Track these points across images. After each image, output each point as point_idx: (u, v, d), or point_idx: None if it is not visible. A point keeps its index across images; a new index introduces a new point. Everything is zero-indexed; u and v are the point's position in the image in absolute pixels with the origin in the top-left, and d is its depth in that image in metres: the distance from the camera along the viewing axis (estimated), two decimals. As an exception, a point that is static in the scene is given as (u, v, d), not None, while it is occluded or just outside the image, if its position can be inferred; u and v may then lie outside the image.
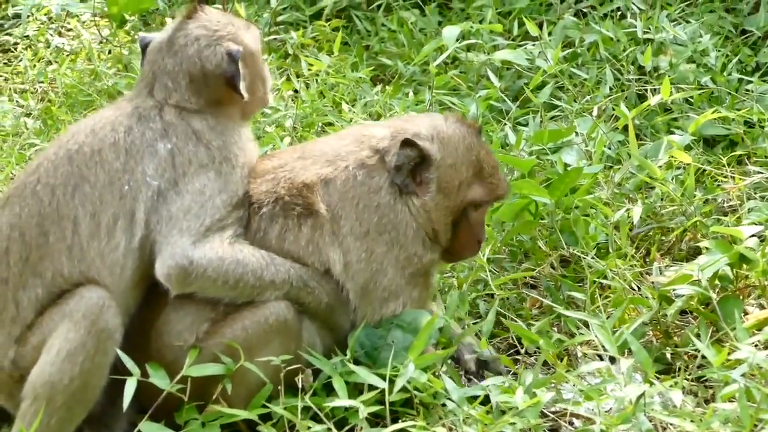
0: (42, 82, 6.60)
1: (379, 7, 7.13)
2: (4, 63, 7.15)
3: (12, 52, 7.26)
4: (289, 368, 3.44)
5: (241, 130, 3.81)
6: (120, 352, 3.42)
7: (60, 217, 3.51)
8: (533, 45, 5.98)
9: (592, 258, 4.43)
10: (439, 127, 3.83)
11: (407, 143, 3.71)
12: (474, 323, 4.12)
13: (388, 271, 3.72)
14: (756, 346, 3.70)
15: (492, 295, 4.35)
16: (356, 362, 3.56)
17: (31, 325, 3.50)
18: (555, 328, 4.18)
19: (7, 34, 7.42)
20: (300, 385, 3.41)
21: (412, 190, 3.75)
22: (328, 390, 3.57)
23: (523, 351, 4.10)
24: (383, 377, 3.41)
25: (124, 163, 3.57)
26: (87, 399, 3.44)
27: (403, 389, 3.43)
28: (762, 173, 5.01)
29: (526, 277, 4.53)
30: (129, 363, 3.38)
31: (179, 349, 3.51)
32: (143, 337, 3.56)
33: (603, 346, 3.63)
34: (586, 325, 4.00)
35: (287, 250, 3.64)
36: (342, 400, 3.34)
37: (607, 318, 3.77)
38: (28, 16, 7.24)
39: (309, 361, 3.57)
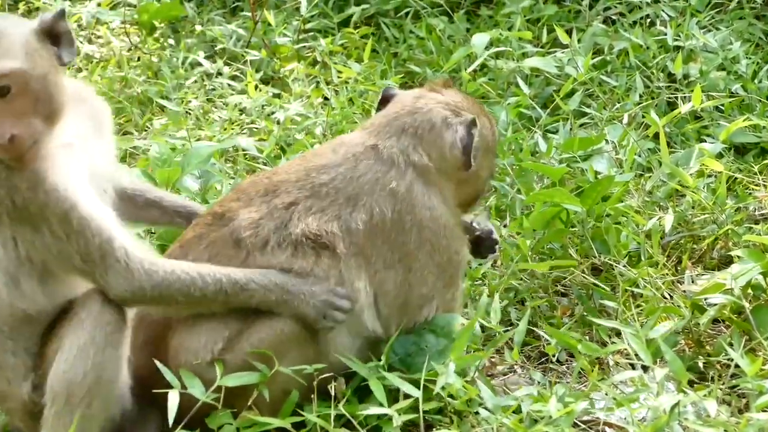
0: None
1: (407, 14, 7.14)
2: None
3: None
4: (322, 376, 3.45)
5: None
6: (159, 364, 3.43)
7: None
8: (562, 53, 5.98)
9: (624, 266, 4.42)
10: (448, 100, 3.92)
11: (475, 122, 3.78)
12: (505, 331, 4.12)
13: (428, 279, 3.72)
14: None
15: (523, 303, 4.34)
16: (390, 368, 3.56)
17: (43, 350, 3.51)
18: (586, 337, 4.16)
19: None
20: (333, 393, 3.41)
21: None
22: (360, 396, 3.57)
23: (554, 359, 4.10)
24: (417, 383, 3.42)
25: None
26: (104, 394, 3.43)
27: (437, 397, 3.44)
28: (794, 181, 5.01)
29: (557, 285, 4.53)
30: (168, 375, 3.40)
31: (198, 366, 3.51)
32: (160, 357, 3.54)
33: (636, 355, 3.62)
34: (618, 333, 4.01)
35: (299, 270, 3.57)
36: (376, 408, 3.35)
37: (642, 326, 3.77)
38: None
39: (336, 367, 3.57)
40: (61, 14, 3.46)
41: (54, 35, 3.45)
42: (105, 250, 3.39)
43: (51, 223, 3.36)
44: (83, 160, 3.53)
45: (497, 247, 4.14)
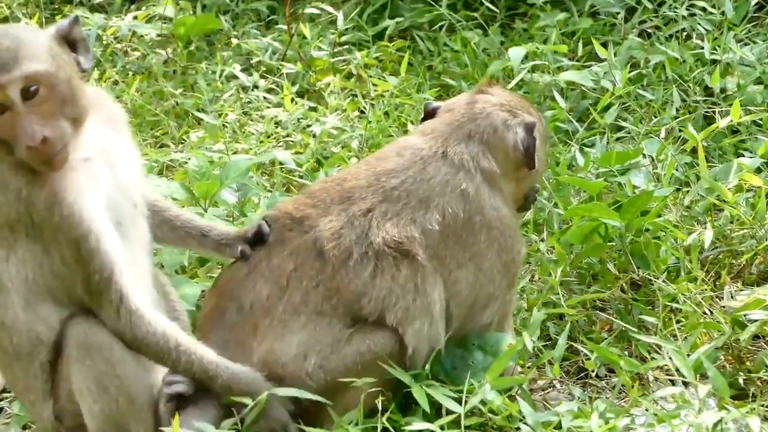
0: (109, 101, 6.68)
1: (441, 27, 7.16)
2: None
3: (80, 71, 7.36)
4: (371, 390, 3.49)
5: None
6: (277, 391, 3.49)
7: None
8: (598, 66, 5.98)
9: (663, 281, 4.41)
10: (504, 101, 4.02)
11: (530, 128, 3.89)
12: (544, 345, 4.12)
13: (495, 278, 3.81)
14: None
15: (562, 317, 4.34)
16: (434, 378, 3.59)
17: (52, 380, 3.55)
18: (626, 352, 4.16)
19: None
20: (380, 406, 3.42)
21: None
22: (402, 406, 3.60)
23: (593, 375, 4.09)
24: (458, 396, 3.43)
25: None
26: (141, 405, 3.50)
27: (479, 413, 3.45)
28: (834, 196, 4.97)
29: (595, 300, 4.52)
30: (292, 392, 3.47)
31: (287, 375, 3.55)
32: (244, 359, 3.57)
33: (677, 371, 3.61)
34: (657, 349, 4.00)
35: (381, 287, 3.62)
36: (419, 423, 3.37)
37: (683, 342, 3.77)
38: (96, 37, 7.34)
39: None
40: (75, 20, 3.52)
41: (71, 42, 3.51)
42: (102, 288, 3.44)
43: (62, 246, 3.40)
44: (105, 176, 3.55)
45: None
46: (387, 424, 3.38)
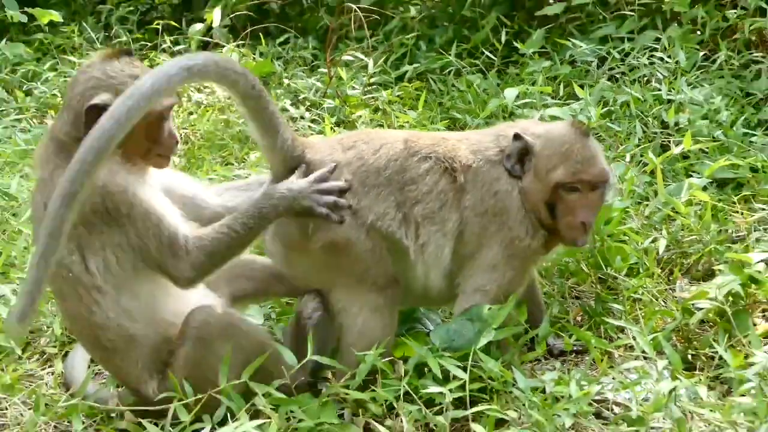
0: (186, 128, 6.75)
1: (450, 72, 7.19)
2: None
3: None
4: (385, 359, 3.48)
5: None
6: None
7: None
8: (576, 104, 5.99)
9: (625, 277, 4.42)
10: (551, 128, 3.84)
11: (517, 137, 3.74)
12: (531, 327, 4.12)
13: (494, 247, 3.71)
14: (766, 351, 3.66)
15: (547, 304, 4.35)
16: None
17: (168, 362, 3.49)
18: (597, 334, 4.15)
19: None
20: (402, 373, 3.42)
21: (518, 173, 3.75)
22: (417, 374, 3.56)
23: (571, 354, 4.09)
24: (462, 365, 3.42)
25: None
26: (274, 352, 3.47)
27: (479, 379, 3.45)
28: (765, 209, 4.96)
29: (572, 291, 4.52)
30: None
31: None
32: None
33: (641, 349, 3.61)
34: (622, 331, 4.00)
35: (418, 181, 3.66)
36: (434, 387, 3.36)
37: (643, 326, 3.77)
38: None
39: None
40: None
41: None
42: (172, 239, 3.38)
43: (136, 220, 3.35)
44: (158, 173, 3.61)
45: None
46: (407, 388, 3.39)
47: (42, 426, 3.62)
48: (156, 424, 3.32)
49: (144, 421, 3.38)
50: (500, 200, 3.72)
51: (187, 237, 3.41)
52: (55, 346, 4.21)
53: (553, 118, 6.02)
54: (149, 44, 8.38)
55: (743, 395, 3.35)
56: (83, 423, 3.56)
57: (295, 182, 3.54)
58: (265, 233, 3.62)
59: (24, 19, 8.56)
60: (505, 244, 3.71)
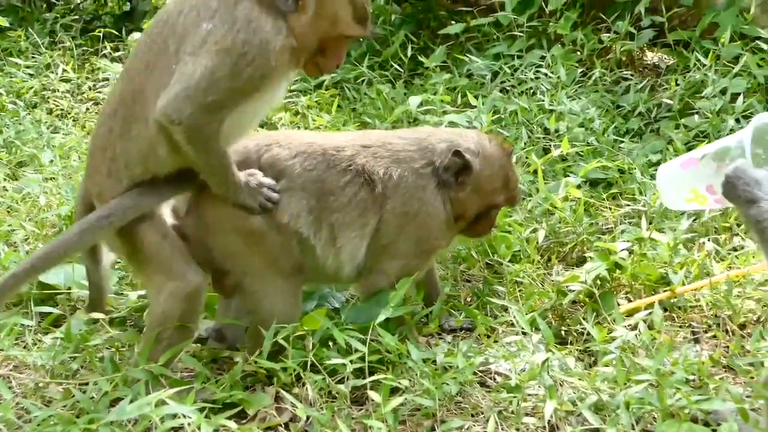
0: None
1: (362, 81, 7.13)
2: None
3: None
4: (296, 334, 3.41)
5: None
6: None
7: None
8: (471, 111, 6.00)
9: (509, 263, 4.43)
10: (484, 145, 3.79)
11: (457, 154, 3.68)
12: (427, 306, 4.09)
13: (408, 242, 3.65)
14: (626, 327, 3.71)
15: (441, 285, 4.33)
16: (347, 325, 3.52)
17: None
18: (483, 312, 4.15)
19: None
20: (309, 345, 3.36)
21: (452, 186, 3.70)
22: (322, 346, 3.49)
23: (461, 331, 4.07)
24: (363, 339, 3.37)
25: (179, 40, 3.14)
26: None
27: (377, 351, 3.40)
28: (630, 205, 5.04)
29: (463, 275, 4.52)
30: None
31: None
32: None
33: (521, 326, 3.62)
34: (505, 310, 4.01)
35: (337, 193, 3.55)
36: (337, 358, 3.31)
37: (522, 305, 3.78)
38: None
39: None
40: None
41: None
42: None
43: None
44: None
45: None
46: (314, 359, 3.33)
47: None
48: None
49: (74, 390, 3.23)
50: (424, 205, 3.66)
51: None
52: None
53: (452, 123, 6.03)
54: (91, 50, 8.10)
55: (606, 365, 3.39)
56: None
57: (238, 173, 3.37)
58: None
59: (-28, 23, 8.21)
60: (420, 242, 3.68)
